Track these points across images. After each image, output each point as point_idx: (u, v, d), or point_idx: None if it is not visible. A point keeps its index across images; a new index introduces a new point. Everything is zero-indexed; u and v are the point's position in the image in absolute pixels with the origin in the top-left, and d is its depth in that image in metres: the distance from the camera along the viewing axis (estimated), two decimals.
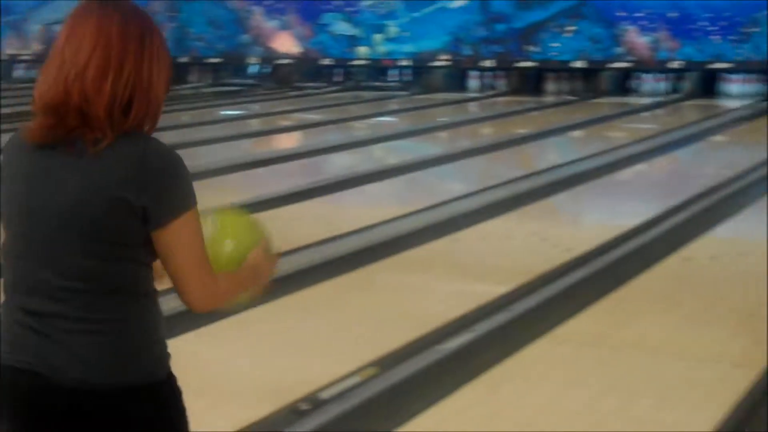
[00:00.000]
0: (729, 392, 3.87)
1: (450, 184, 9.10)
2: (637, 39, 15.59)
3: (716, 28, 15.07)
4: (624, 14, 15.58)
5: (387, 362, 4.08)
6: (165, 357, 1.92)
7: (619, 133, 12.51)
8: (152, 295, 1.91)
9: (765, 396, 3.87)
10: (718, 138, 11.91)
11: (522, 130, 12.30)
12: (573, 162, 9.63)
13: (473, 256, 6.16)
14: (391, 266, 5.87)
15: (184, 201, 1.84)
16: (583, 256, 5.95)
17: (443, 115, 14.42)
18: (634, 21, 15.57)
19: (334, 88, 17.47)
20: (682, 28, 15.29)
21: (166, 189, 1.83)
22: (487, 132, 12.91)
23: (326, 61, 17.70)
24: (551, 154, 11.09)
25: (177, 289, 1.88)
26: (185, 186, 1.85)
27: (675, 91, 15.75)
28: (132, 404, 1.87)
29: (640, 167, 9.79)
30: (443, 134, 12.57)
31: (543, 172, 9.13)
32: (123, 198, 1.80)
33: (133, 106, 1.84)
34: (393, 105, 15.87)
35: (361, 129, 12.83)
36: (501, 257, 6.09)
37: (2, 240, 1.93)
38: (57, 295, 1.85)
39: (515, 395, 3.88)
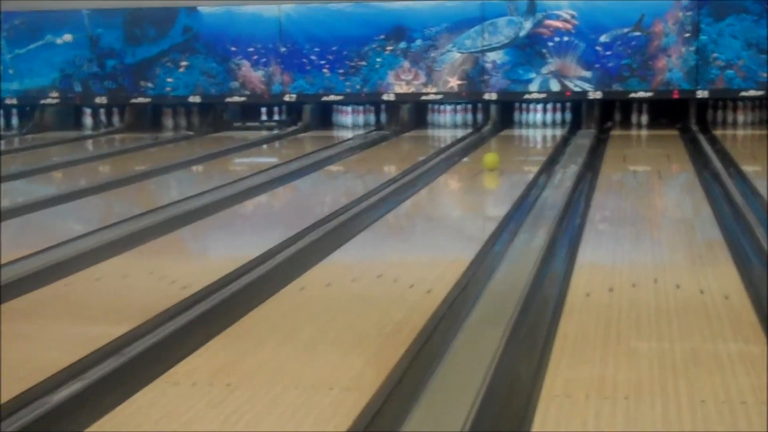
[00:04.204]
0: (341, 417, 3.94)
1: (65, 225, 8.73)
2: (251, 73, 15.83)
3: (325, 62, 15.63)
4: (236, 49, 15.78)
5: None
6: None
7: (239, 167, 12.61)
8: None
9: (374, 417, 3.97)
10: (334, 167, 12.30)
11: (141, 167, 12.08)
12: (194, 196, 9.57)
13: (88, 298, 5.93)
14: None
15: None
16: (201, 291, 5.89)
17: (57, 155, 13.89)
18: (246, 56, 15.80)
19: None
20: (292, 62, 15.72)
21: None
22: (104, 170, 12.57)
23: None
24: (172, 189, 10.97)
25: None
26: None
27: (291, 123, 16.17)
28: None
29: (260, 198, 9.90)
30: (58, 174, 12.09)
31: (163, 208, 8.99)
32: None
33: None
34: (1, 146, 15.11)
35: None
36: (117, 298, 5.90)
37: None
38: None
39: None
